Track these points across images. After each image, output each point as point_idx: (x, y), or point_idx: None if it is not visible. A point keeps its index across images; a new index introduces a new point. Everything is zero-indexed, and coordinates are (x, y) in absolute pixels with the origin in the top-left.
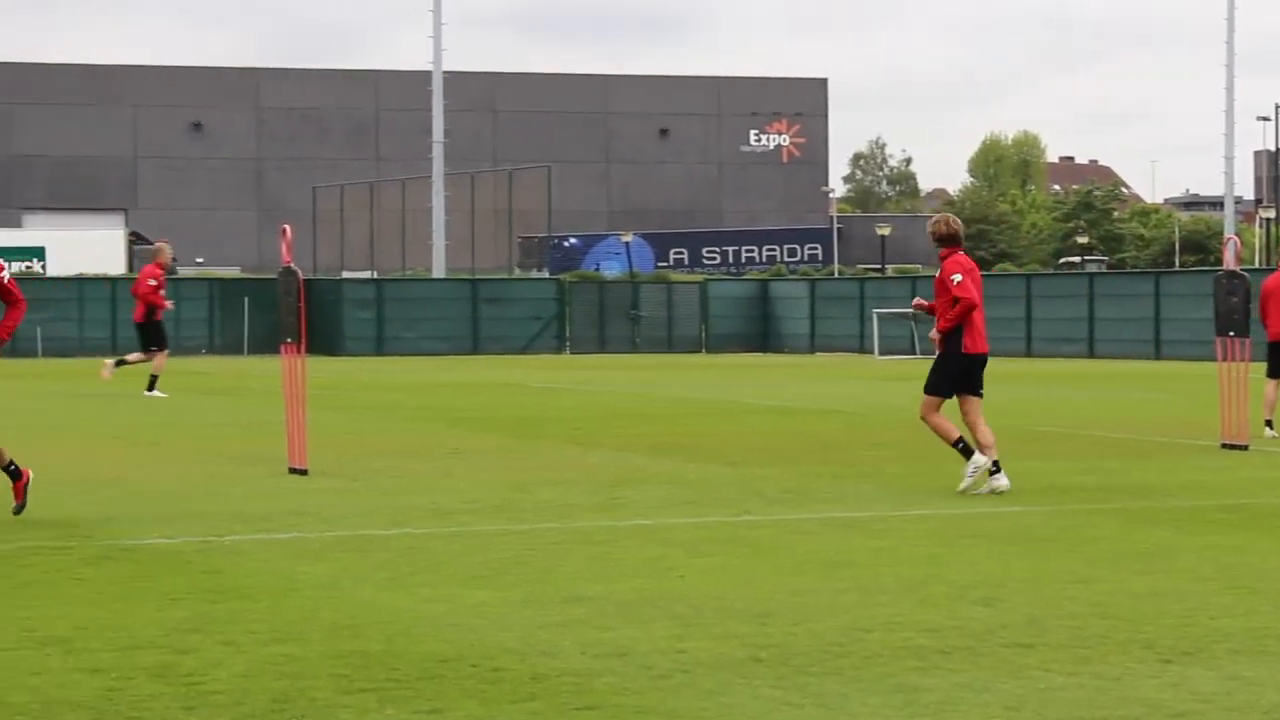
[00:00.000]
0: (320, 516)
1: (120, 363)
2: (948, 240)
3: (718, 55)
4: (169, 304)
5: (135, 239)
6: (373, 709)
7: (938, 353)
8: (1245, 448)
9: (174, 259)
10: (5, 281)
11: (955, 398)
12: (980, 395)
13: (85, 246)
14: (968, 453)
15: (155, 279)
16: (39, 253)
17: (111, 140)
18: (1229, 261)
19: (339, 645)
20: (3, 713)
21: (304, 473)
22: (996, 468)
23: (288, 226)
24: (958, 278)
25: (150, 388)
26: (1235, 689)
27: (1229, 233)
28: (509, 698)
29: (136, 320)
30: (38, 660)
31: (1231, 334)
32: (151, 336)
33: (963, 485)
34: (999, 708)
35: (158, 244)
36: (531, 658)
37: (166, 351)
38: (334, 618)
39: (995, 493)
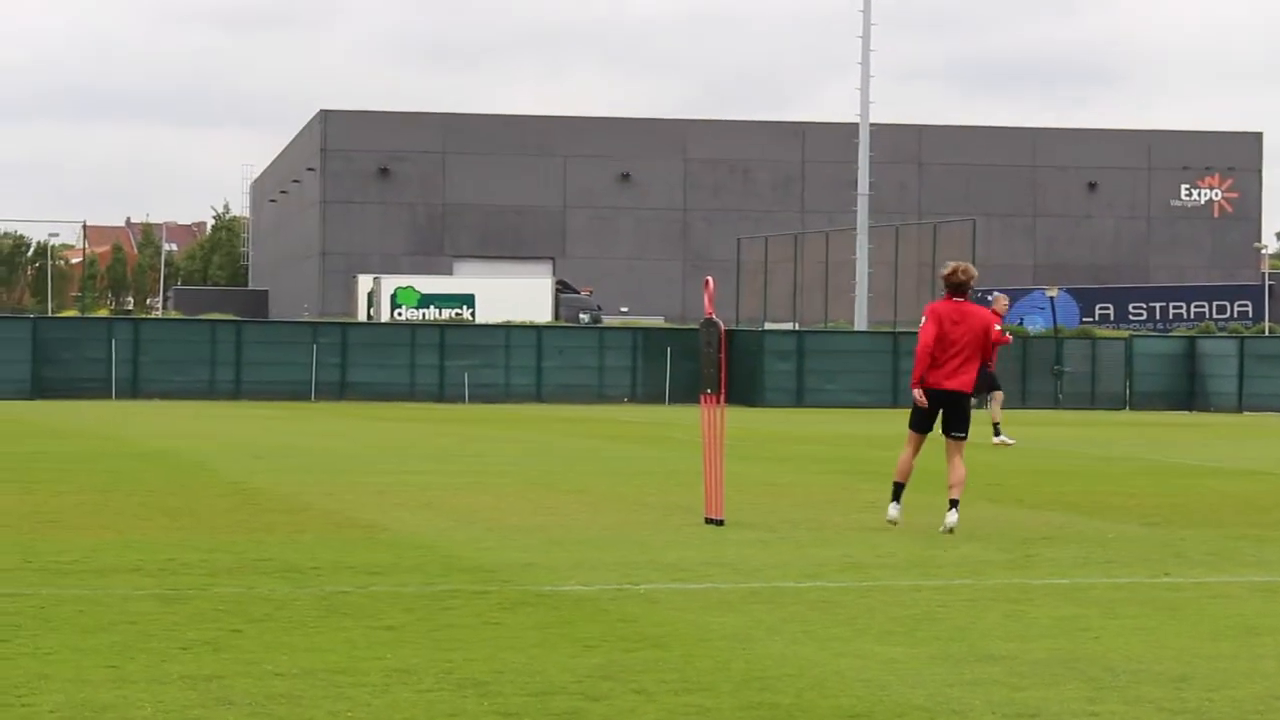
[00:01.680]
0: (734, 567)
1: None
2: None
3: (1149, 108)
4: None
5: (562, 288)
6: None
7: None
8: None
9: (599, 307)
10: None
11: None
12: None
13: (513, 294)
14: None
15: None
16: (469, 300)
17: (541, 190)
18: None
19: (749, 697)
20: None
21: (720, 523)
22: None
23: (710, 278)
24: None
25: (997, 433)
26: None
27: None
28: None
29: None
30: (455, 702)
31: None
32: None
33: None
34: None
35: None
36: (942, 716)
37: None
38: (745, 669)
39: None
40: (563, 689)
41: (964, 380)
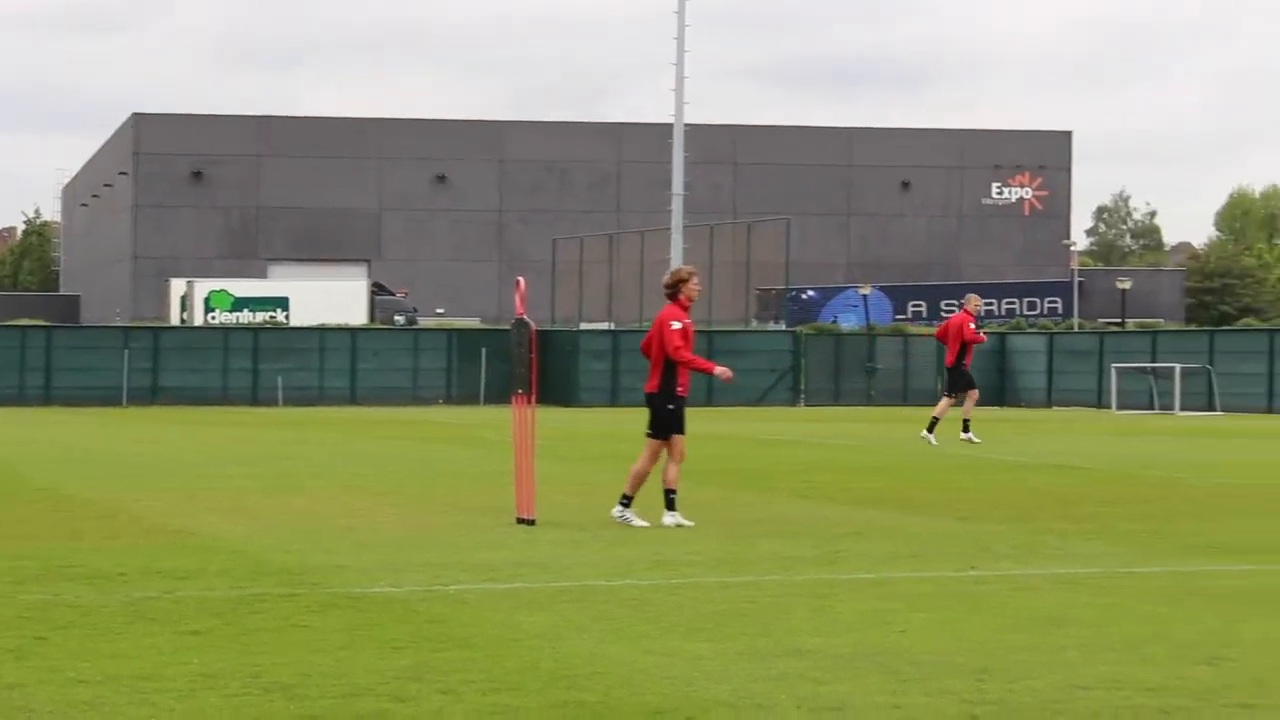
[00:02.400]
0: (545, 567)
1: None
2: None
3: (962, 108)
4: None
5: (377, 290)
6: None
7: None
8: None
9: (414, 309)
10: None
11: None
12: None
13: (328, 297)
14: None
15: (973, 322)
16: (283, 303)
17: (356, 192)
18: None
19: (556, 695)
20: None
21: (531, 523)
22: (627, 501)
23: (521, 279)
24: (675, 324)
25: (965, 429)
26: None
27: None
28: None
29: (949, 364)
30: (261, 705)
31: None
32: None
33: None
34: None
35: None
36: (747, 711)
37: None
38: (553, 668)
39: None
40: (369, 690)
41: (653, 384)
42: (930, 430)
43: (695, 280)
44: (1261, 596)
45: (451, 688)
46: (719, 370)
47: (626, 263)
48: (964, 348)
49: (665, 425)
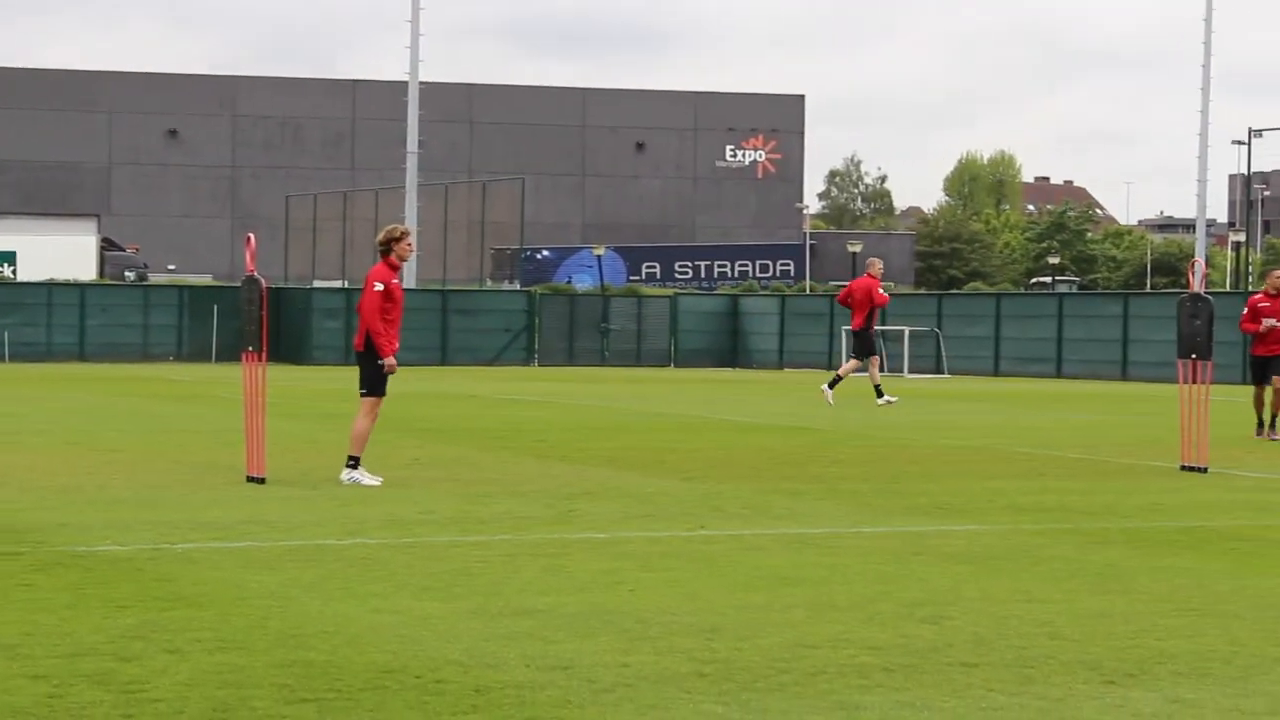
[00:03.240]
0: (275, 525)
1: (836, 380)
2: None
3: (697, 70)
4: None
5: (107, 245)
6: (313, 719)
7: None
8: (1204, 470)
9: (145, 264)
10: None
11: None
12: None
13: (56, 252)
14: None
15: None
16: (9, 257)
17: (86, 146)
18: (1194, 284)
19: (284, 655)
20: None
21: (261, 481)
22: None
23: (251, 235)
24: (378, 285)
25: (879, 395)
26: (1176, 711)
27: (1199, 256)
28: (450, 710)
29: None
30: None
31: (1194, 357)
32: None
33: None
34: None
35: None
36: (476, 670)
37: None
38: (281, 627)
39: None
40: (94, 650)
41: (360, 342)
42: (831, 386)
43: (408, 241)
44: (984, 556)
45: (178, 647)
46: (387, 361)
47: (361, 221)
48: (871, 312)
49: (377, 382)
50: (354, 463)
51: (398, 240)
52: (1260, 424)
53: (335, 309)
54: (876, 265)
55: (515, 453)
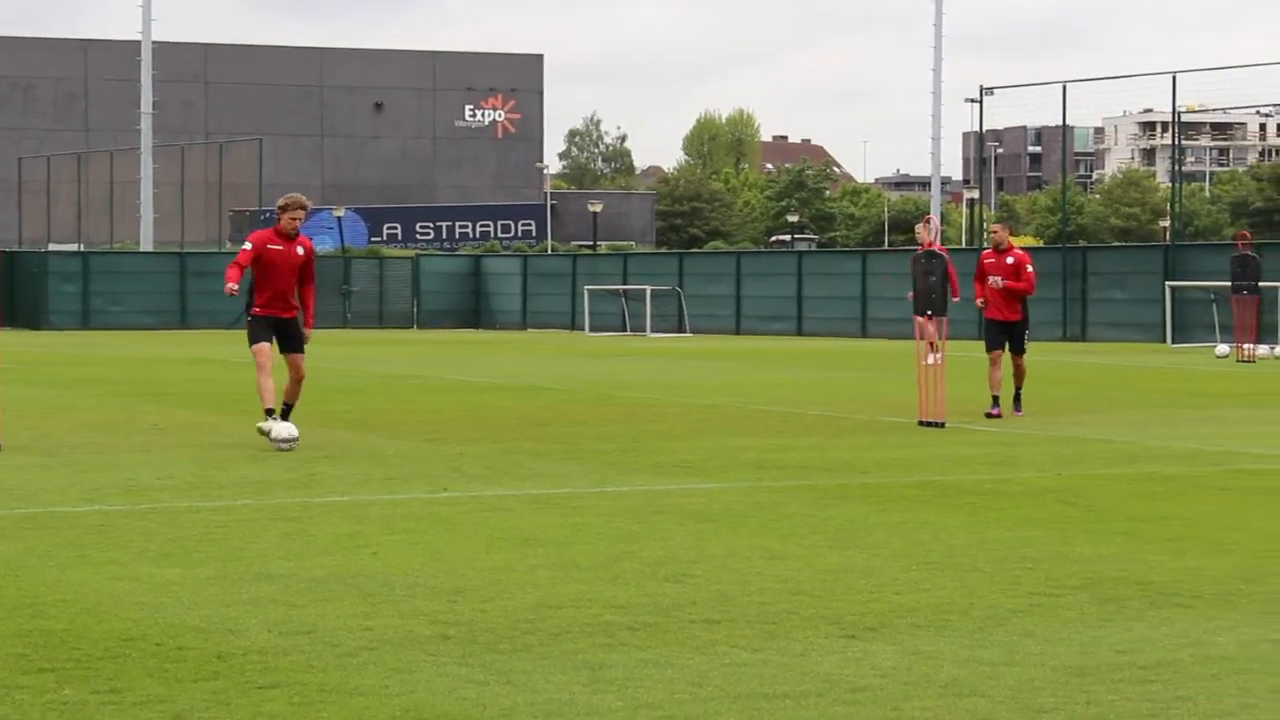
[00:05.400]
0: (10, 493)
1: None
2: None
3: (437, 29)
4: None
5: None
6: (51, 689)
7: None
8: (942, 425)
9: None
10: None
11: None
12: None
13: None
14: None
15: None
16: None
17: None
18: (926, 241)
19: (20, 624)
20: None
21: None
22: (272, 415)
23: None
24: (246, 245)
25: None
26: (915, 663)
27: (934, 213)
28: (191, 676)
29: None
30: None
31: (930, 313)
32: None
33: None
34: (683, 684)
35: None
36: (216, 636)
37: None
38: (16, 596)
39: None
40: None
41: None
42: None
43: (294, 213)
44: (725, 514)
45: None
46: (228, 287)
47: (96, 183)
48: None
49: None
50: (270, 412)
51: (285, 209)
52: (995, 400)
53: (72, 272)
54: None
55: (255, 417)
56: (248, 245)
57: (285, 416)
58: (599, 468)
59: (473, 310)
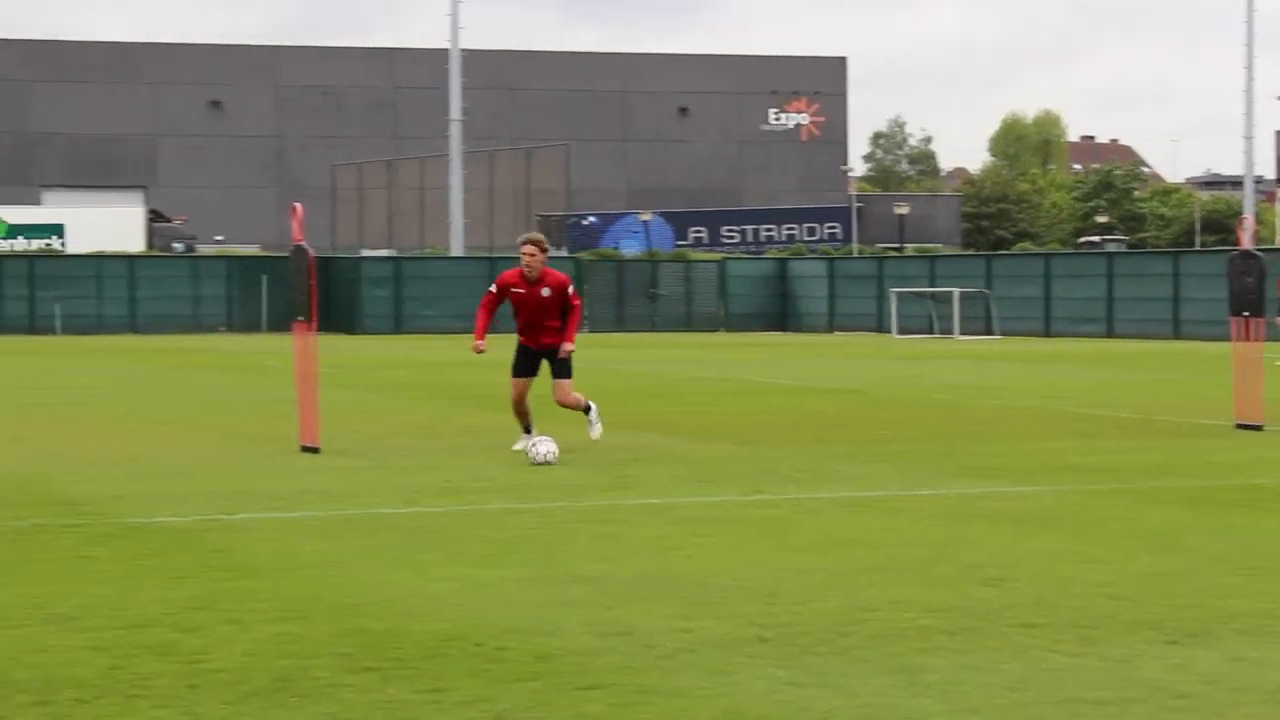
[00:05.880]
0: (330, 495)
1: None
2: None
3: (738, 34)
4: None
5: (155, 217)
6: (374, 688)
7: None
8: (1260, 428)
9: (193, 236)
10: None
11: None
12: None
13: (104, 224)
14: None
15: None
16: (58, 230)
17: (130, 118)
18: (1244, 241)
19: (342, 624)
20: (6, 689)
21: (316, 451)
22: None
23: (299, 205)
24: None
25: None
26: (1239, 670)
27: (1247, 212)
28: (512, 677)
29: None
30: (42, 637)
31: (1246, 314)
32: None
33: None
34: (1002, 689)
35: None
36: (535, 637)
37: None
38: (338, 597)
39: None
40: (155, 621)
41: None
42: None
43: (525, 249)
44: (1041, 517)
45: (238, 617)
46: (475, 345)
47: (406, 189)
48: None
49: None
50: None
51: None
52: None
53: (383, 278)
54: None
55: (567, 420)
56: (492, 288)
57: (587, 410)
58: (911, 470)
59: (779, 313)
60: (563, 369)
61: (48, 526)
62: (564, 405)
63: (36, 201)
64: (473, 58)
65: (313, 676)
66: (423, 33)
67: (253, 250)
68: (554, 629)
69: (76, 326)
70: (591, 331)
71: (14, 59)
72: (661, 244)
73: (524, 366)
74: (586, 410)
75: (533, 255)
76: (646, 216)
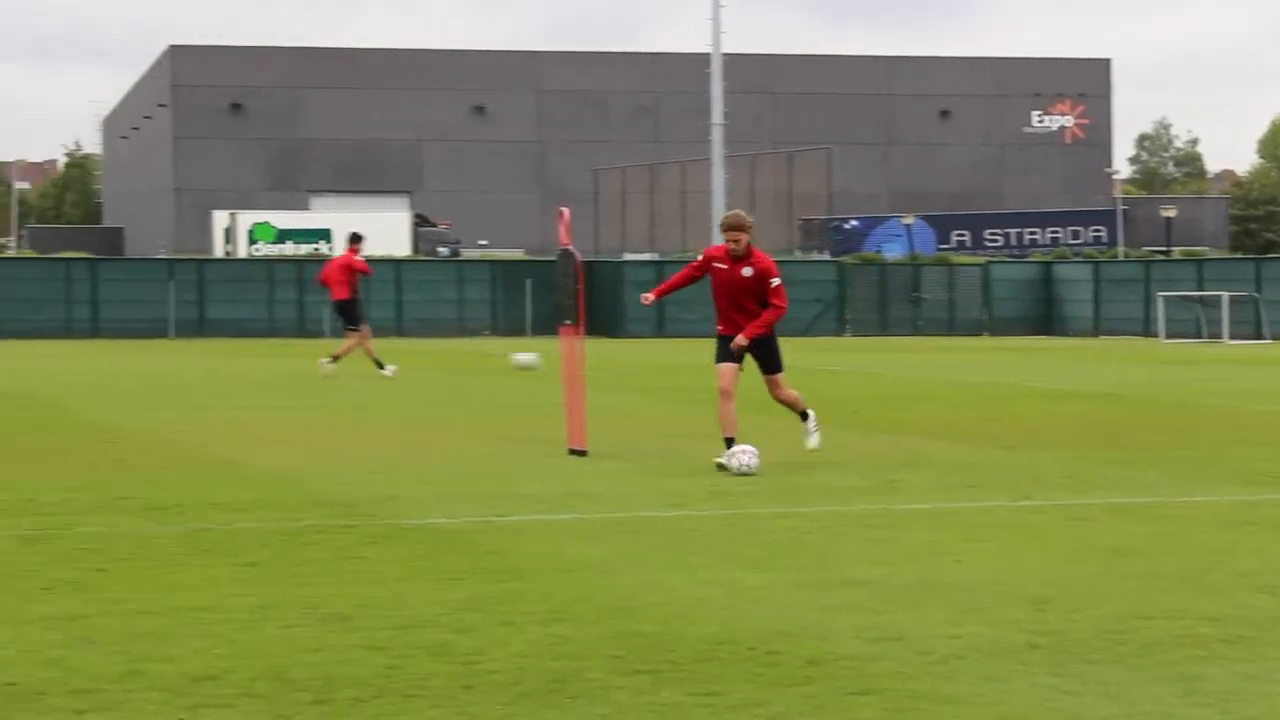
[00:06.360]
0: (598, 498)
1: (335, 358)
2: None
3: (999, 36)
4: (371, 270)
5: (420, 221)
6: (648, 690)
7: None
8: None
9: (458, 240)
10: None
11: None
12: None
13: (371, 229)
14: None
15: (352, 261)
16: (325, 234)
17: (395, 123)
18: None
19: (614, 626)
20: (285, 688)
21: (583, 454)
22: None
23: (565, 209)
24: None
25: (380, 366)
26: None
27: None
28: (785, 681)
29: (338, 299)
30: (319, 637)
31: None
32: (351, 316)
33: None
34: None
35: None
36: (807, 641)
37: (366, 329)
38: (610, 599)
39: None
40: (429, 622)
41: None
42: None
43: (731, 235)
44: None
45: (510, 619)
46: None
47: (668, 193)
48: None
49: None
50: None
51: (724, 229)
52: None
53: (647, 281)
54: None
55: (831, 424)
56: (699, 256)
57: (804, 417)
58: (1182, 477)
59: (1044, 317)
60: (769, 363)
61: (322, 527)
62: (780, 401)
63: (304, 207)
64: (734, 61)
65: (585, 678)
66: (683, 37)
67: (516, 254)
68: (825, 633)
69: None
70: (854, 335)
71: (282, 66)
72: (924, 247)
73: (725, 352)
74: (804, 417)
75: (737, 241)
76: (909, 220)
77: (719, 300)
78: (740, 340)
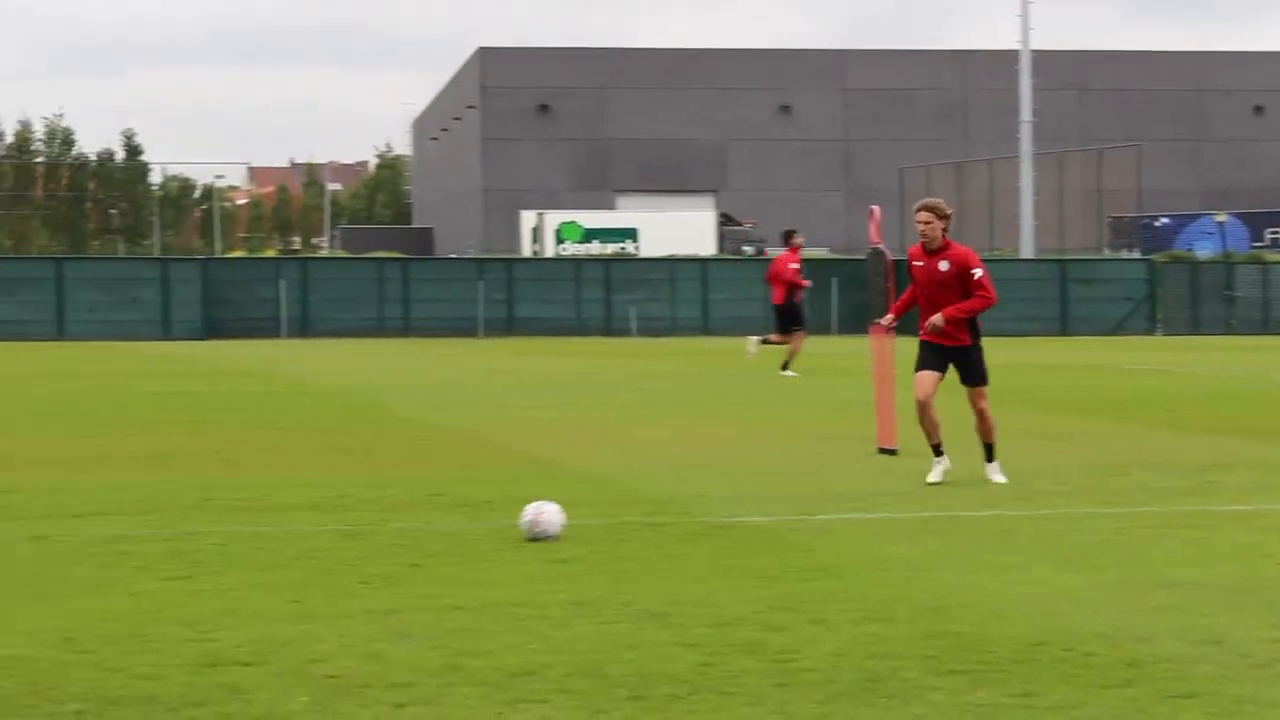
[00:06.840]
0: (909, 496)
1: (765, 341)
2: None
3: None
4: (808, 283)
5: (725, 220)
6: (964, 691)
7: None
8: None
9: (763, 239)
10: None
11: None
12: None
13: (676, 228)
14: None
15: (795, 262)
16: (632, 234)
17: (701, 123)
18: None
19: (929, 626)
20: (601, 684)
21: (894, 453)
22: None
23: (876, 207)
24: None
25: (784, 367)
26: None
27: None
28: (1102, 683)
29: (776, 302)
30: (635, 634)
31: None
32: (791, 318)
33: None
34: None
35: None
36: (1124, 643)
37: (804, 333)
38: (923, 598)
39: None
40: (743, 619)
41: None
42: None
43: (920, 216)
44: None
45: (823, 617)
46: (886, 318)
47: (975, 191)
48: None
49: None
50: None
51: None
52: None
53: None
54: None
55: (1144, 423)
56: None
57: (990, 458)
58: None
59: None
60: (970, 374)
61: (636, 524)
62: (977, 417)
63: (611, 206)
64: (1042, 58)
65: (901, 677)
66: (990, 33)
67: (822, 253)
68: (1143, 635)
69: (651, 329)
70: (1165, 334)
71: (589, 68)
72: (1237, 245)
73: (926, 359)
74: (989, 453)
75: (928, 223)
76: (1222, 218)
77: (920, 300)
78: (936, 319)
